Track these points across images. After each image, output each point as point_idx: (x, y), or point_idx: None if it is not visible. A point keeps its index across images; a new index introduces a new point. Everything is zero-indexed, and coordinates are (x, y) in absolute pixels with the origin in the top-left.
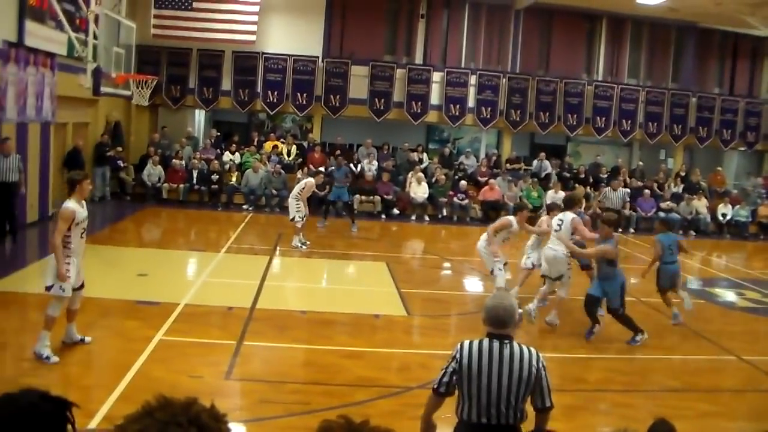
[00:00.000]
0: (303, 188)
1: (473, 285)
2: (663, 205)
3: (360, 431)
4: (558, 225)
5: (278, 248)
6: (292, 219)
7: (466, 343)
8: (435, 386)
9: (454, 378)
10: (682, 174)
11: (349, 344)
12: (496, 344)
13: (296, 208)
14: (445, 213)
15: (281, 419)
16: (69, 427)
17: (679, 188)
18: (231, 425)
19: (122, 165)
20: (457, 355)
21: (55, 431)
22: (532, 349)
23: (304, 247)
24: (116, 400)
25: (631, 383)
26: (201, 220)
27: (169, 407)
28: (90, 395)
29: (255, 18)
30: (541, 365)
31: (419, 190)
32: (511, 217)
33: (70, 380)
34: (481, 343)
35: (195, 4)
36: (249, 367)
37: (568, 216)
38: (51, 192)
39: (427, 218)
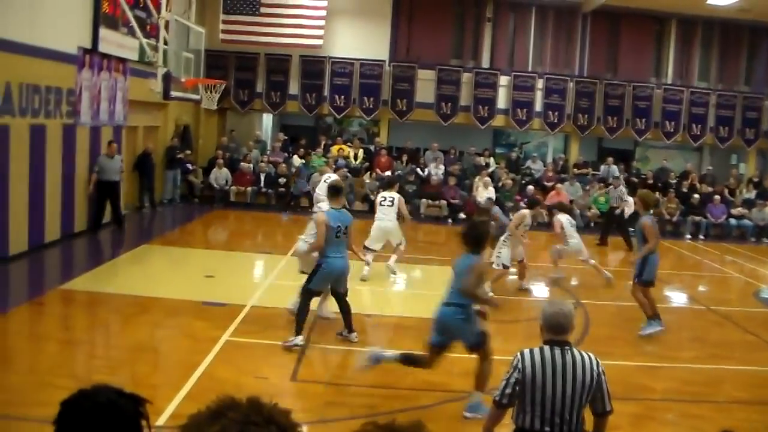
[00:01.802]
0: None
1: (539, 290)
2: (734, 211)
3: (392, 428)
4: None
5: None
6: None
7: (527, 351)
8: (497, 398)
9: (517, 388)
10: (755, 180)
11: (414, 348)
12: (557, 351)
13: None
14: (511, 218)
15: (346, 421)
16: (143, 422)
17: (752, 194)
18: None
19: (191, 168)
20: (519, 365)
21: (131, 427)
22: (591, 354)
23: None
24: (183, 398)
25: (698, 393)
26: (268, 222)
27: (239, 407)
28: (158, 393)
29: (322, 22)
30: (601, 370)
31: (485, 195)
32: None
33: (139, 378)
34: (542, 350)
35: (263, 9)
36: (314, 370)
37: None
38: (122, 194)
39: (493, 223)
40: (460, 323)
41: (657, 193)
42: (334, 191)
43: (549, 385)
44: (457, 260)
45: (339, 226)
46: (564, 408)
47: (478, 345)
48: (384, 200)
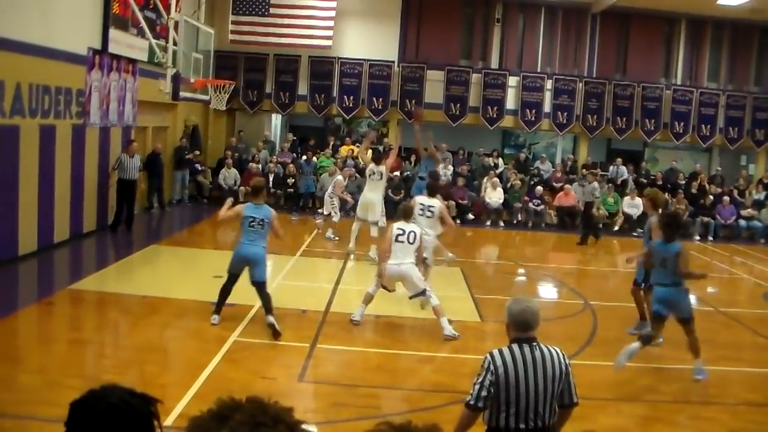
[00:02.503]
0: (334, 186)
1: (548, 291)
2: (743, 212)
3: (407, 430)
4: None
5: (353, 252)
6: (328, 214)
7: (496, 352)
8: (471, 401)
9: (491, 390)
10: (765, 181)
11: (422, 349)
12: (526, 348)
13: (331, 204)
14: (520, 218)
15: (353, 422)
16: (155, 422)
17: (761, 195)
18: (303, 426)
19: (200, 168)
20: (491, 366)
21: (144, 427)
22: (558, 348)
23: (337, 238)
24: (191, 398)
25: (707, 395)
26: None
27: (243, 408)
28: (167, 393)
29: (331, 23)
30: (568, 361)
31: (494, 195)
32: None
33: (148, 378)
34: (511, 349)
35: (272, 10)
36: (322, 370)
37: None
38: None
39: (501, 224)
40: (682, 297)
41: (666, 194)
42: (254, 190)
43: (522, 383)
44: (657, 248)
45: (254, 218)
46: (538, 404)
47: (689, 320)
48: (373, 174)
